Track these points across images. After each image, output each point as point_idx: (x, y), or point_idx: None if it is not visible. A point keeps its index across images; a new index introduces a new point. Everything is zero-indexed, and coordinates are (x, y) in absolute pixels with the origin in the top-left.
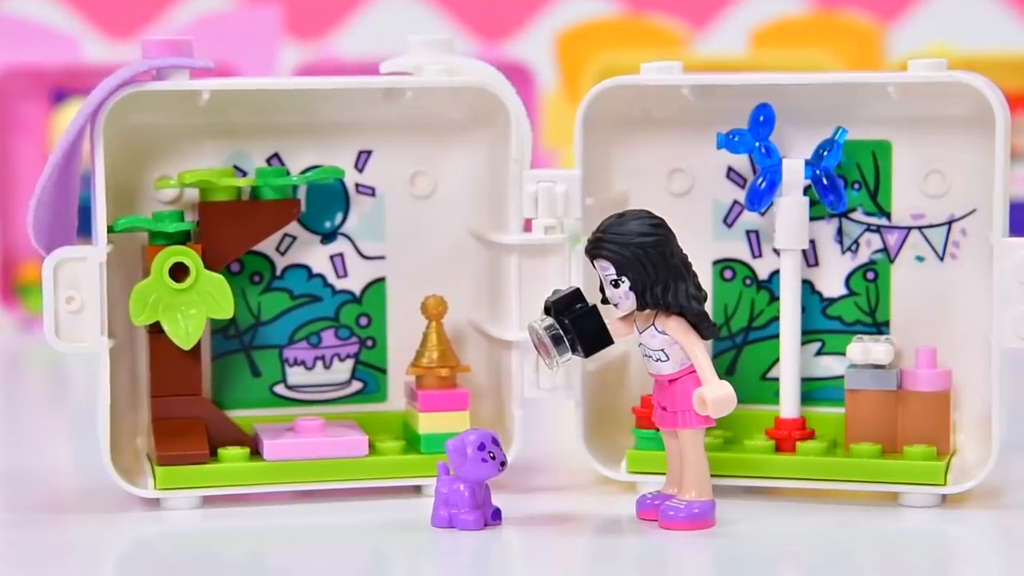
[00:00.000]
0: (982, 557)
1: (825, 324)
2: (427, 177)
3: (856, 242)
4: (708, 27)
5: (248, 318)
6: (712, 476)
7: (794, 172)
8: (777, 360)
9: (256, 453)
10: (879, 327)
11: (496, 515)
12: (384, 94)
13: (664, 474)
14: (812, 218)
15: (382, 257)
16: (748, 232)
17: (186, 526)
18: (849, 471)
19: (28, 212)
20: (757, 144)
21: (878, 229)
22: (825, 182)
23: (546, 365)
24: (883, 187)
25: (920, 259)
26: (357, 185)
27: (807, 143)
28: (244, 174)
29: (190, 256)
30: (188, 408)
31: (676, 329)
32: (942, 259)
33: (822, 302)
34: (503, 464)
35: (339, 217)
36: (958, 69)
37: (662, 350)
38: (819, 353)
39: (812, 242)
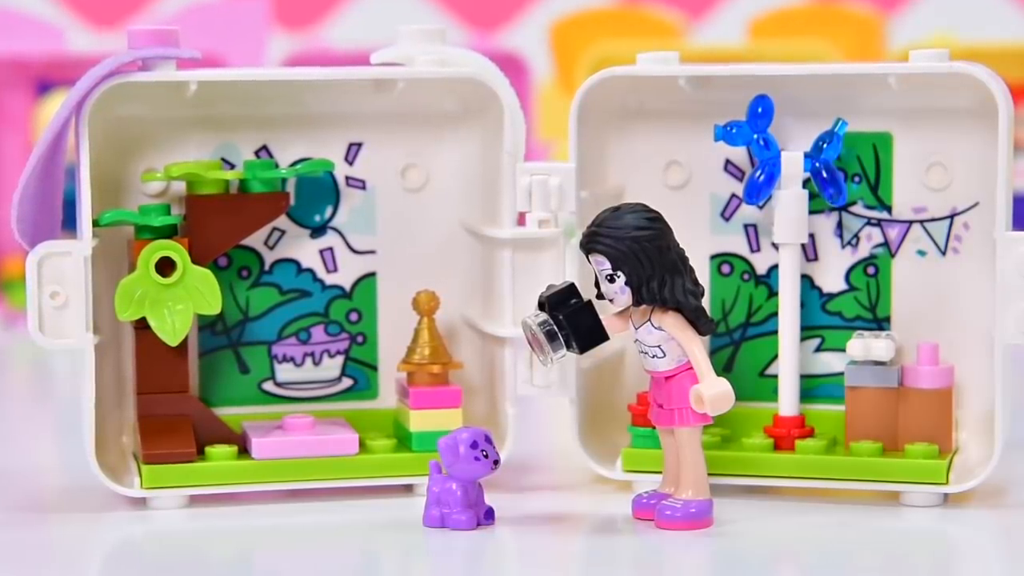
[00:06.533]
0: (984, 557)
1: (825, 320)
2: (419, 170)
3: (856, 236)
4: (705, 17)
5: (236, 314)
6: (710, 475)
7: (793, 165)
8: (776, 356)
9: (244, 451)
10: (880, 323)
11: (489, 514)
12: (375, 85)
13: (660, 473)
14: (811, 212)
15: (373, 251)
16: (746, 226)
17: (173, 526)
18: (849, 470)
19: (12, 205)
20: (755, 136)
21: (879, 223)
22: (825, 175)
23: (540, 362)
24: (884, 180)
25: (921, 253)
26: (347, 178)
27: (806, 135)
28: (232, 167)
29: (177, 250)
30: (175, 405)
31: (673, 325)
32: (944, 253)
33: (822, 297)
34: (496, 462)
35: (329, 211)
36: (960, 60)
37: (658, 346)
38: (819, 349)
39: (811, 236)
